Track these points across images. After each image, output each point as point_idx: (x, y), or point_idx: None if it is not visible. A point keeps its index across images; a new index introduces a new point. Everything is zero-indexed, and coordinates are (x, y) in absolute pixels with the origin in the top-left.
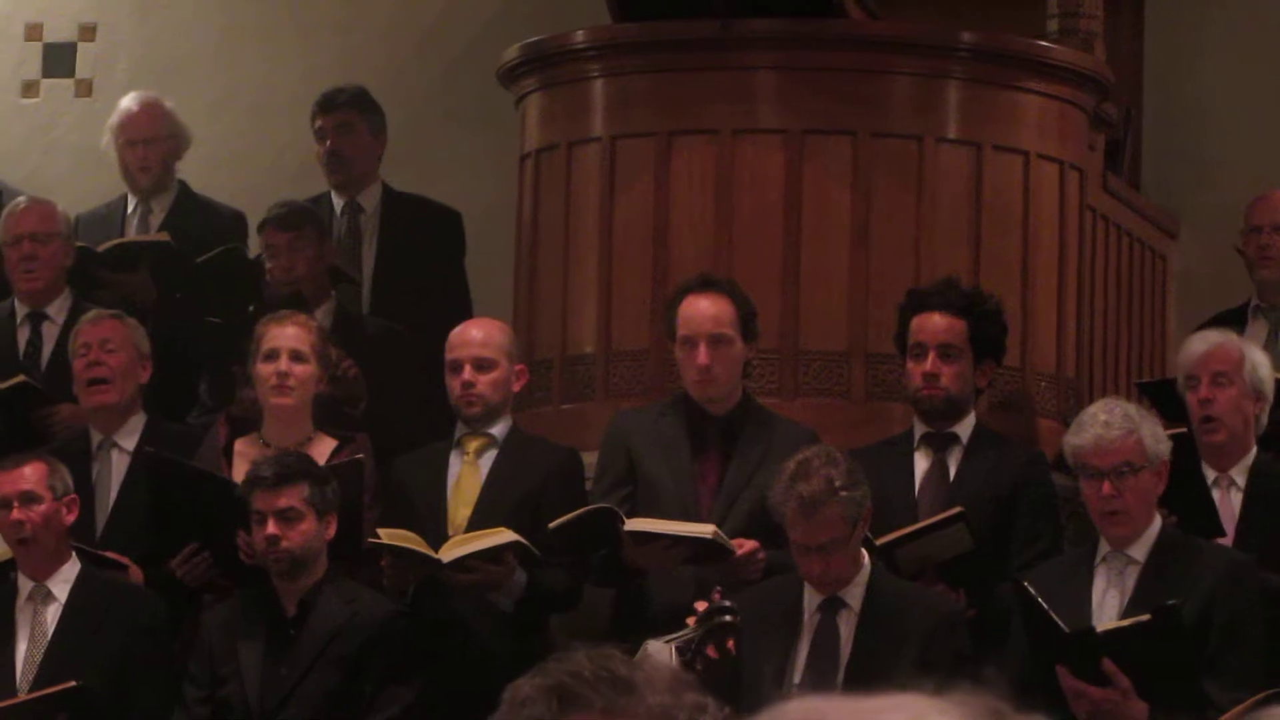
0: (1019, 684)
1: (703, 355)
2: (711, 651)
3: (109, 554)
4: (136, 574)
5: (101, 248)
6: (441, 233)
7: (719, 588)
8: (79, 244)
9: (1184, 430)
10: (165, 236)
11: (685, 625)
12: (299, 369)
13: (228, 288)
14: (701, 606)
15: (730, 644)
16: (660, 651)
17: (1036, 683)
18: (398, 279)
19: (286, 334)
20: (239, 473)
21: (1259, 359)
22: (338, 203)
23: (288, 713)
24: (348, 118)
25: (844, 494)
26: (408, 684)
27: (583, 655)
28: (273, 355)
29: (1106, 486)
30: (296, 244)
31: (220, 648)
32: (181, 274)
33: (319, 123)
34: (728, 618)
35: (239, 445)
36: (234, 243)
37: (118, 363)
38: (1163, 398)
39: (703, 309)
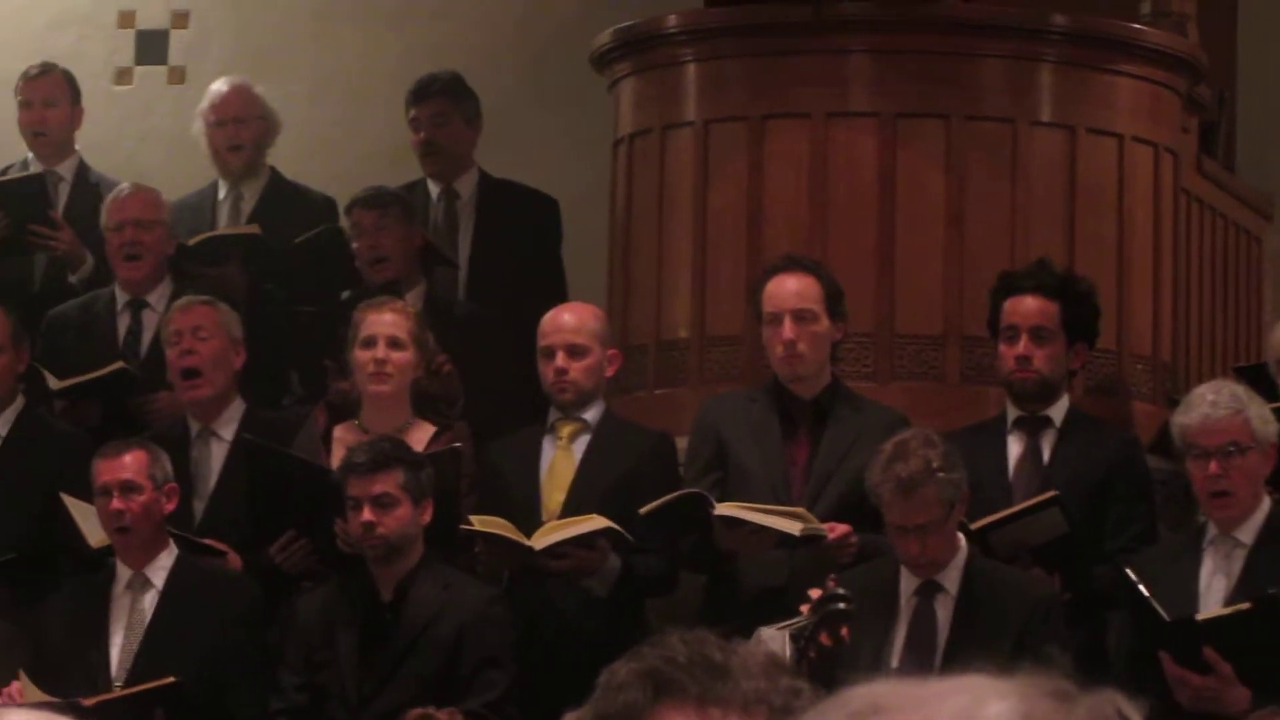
0: (1125, 666)
1: (788, 330)
2: (825, 639)
3: (208, 541)
4: (235, 560)
5: (192, 241)
6: (538, 219)
7: (833, 575)
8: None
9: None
10: (255, 229)
11: (798, 612)
12: (396, 355)
13: (323, 270)
14: (816, 593)
15: (844, 631)
16: (774, 639)
17: (1142, 666)
18: (494, 265)
19: (384, 320)
20: (338, 459)
21: None
22: (434, 189)
23: (384, 698)
24: (442, 107)
25: (941, 475)
26: (503, 669)
27: (677, 639)
28: (370, 342)
29: (1213, 466)
30: (382, 223)
31: (317, 634)
32: (274, 262)
33: (413, 113)
34: (842, 605)
35: (338, 432)
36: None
37: (209, 351)
38: (1259, 381)
39: (788, 286)
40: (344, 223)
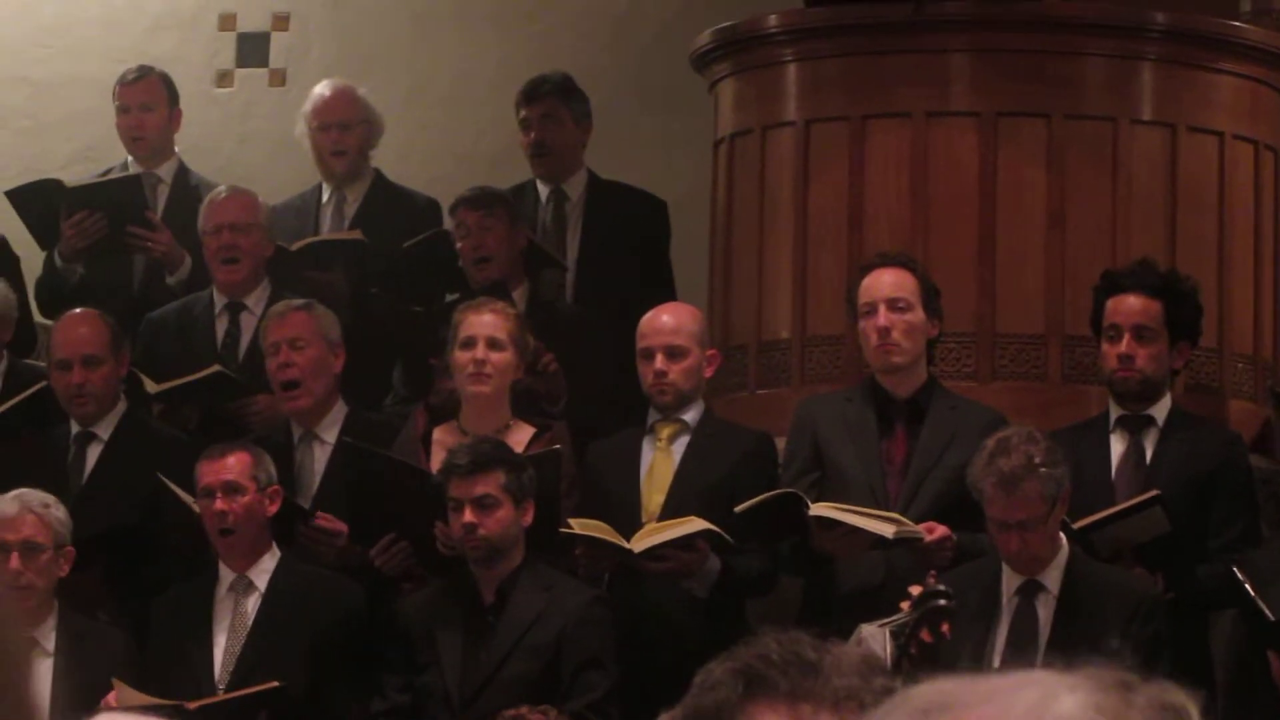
0: (1233, 665)
1: (882, 317)
2: (926, 635)
3: (321, 517)
4: (342, 528)
5: (294, 247)
6: (647, 220)
7: (934, 571)
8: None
9: None
10: (358, 234)
11: (899, 609)
12: (496, 356)
13: (431, 274)
14: (917, 590)
15: (945, 628)
16: (875, 636)
17: (1252, 666)
18: (602, 266)
19: (484, 321)
20: (437, 461)
21: None
22: (543, 191)
23: (486, 699)
24: (552, 107)
25: (1043, 471)
26: (604, 670)
27: (772, 638)
28: (470, 343)
29: None
30: (486, 223)
31: (419, 635)
32: (377, 267)
33: (523, 113)
34: (942, 601)
35: (437, 433)
36: (431, 230)
37: (307, 361)
38: None
39: (883, 278)
40: (449, 223)
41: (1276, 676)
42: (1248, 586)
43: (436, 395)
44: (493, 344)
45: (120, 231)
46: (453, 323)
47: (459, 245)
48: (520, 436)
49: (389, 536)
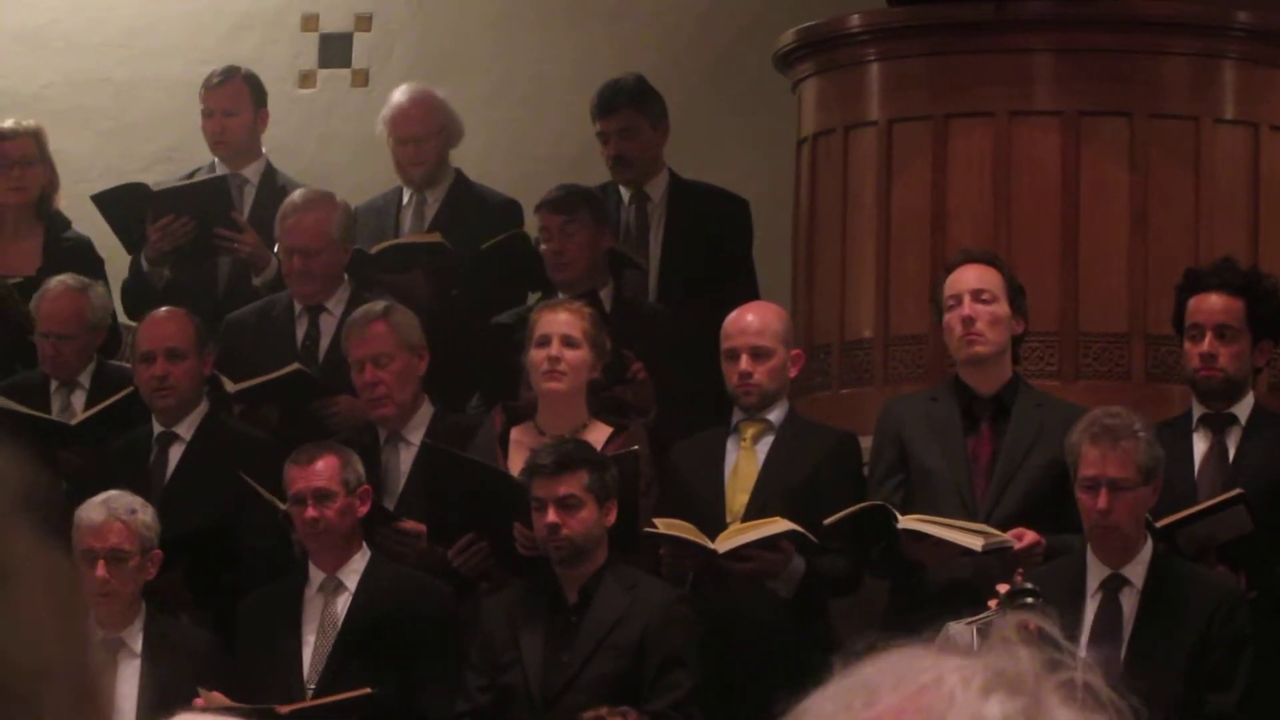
0: None
1: (967, 307)
2: None
3: (404, 523)
4: (421, 530)
5: (374, 250)
6: (730, 220)
7: (1021, 569)
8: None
9: None
10: (437, 237)
11: (987, 607)
12: (571, 354)
13: (510, 274)
14: (1003, 588)
15: (1033, 626)
16: (962, 634)
17: None
18: (685, 265)
19: (559, 319)
20: (514, 461)
21: None
22: (625, 192)
23: (570, 699)
24: (628, 120)
25: (1143, 436)
26: (688, 670)
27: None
28: (545, 341)
29: None
30: (569, 228)
31: (502, 635)
32: (458, 268)
33: (599, 126)
34: (1030, 599)
35: (515, 434)
36: (512, 230)
37: (393, 376)
38: None
39: (968, 272)
40: (530, 223)
41: None
42: None
43: (522, 400)
44: (568, 342)
45: (207, 234)
46: (529, 322)
47: (543, 248)
48: (597, 436)
49: (467, 537)
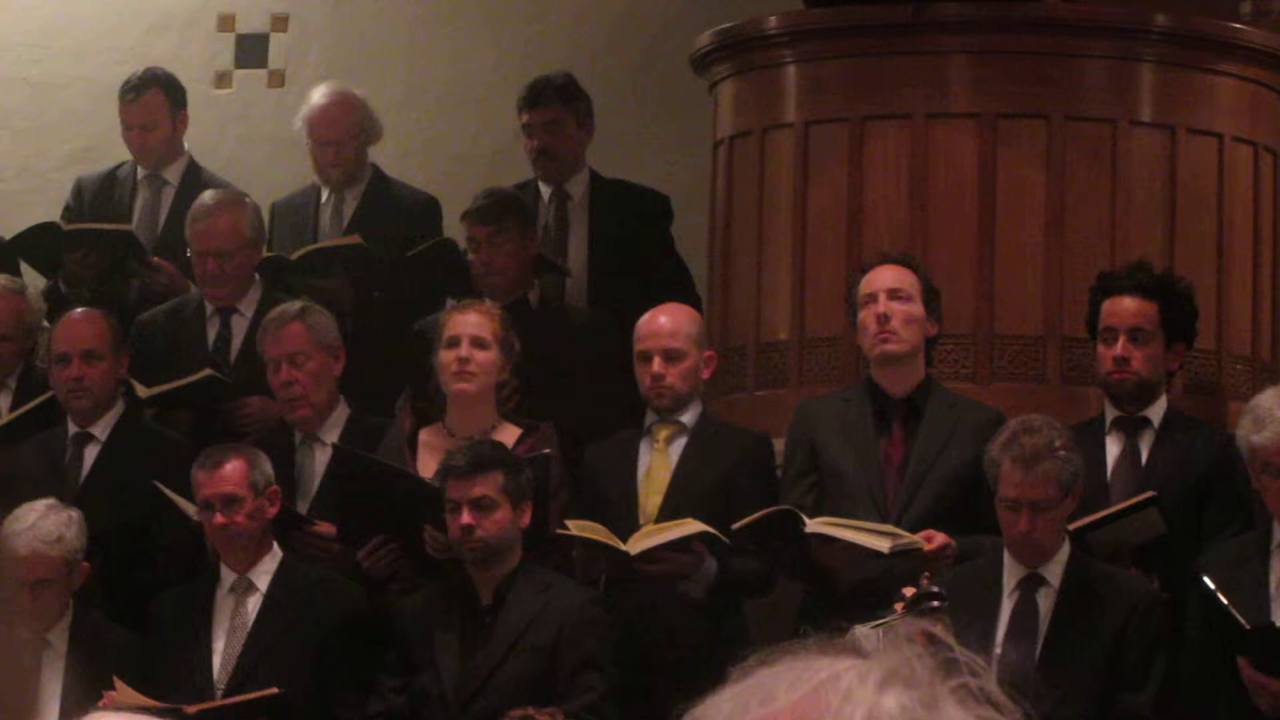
0: (1196, 671)
1: (882, 304)
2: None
3: (317, 524)
4: (329, 529)
5: (295, 255)
6: (652, 217)
7: (927, 573)
8: (269, 254)
9: None
10: (357, 239)
11: (892, 610)
12: (480, 355)
13: (435, 281)
14: (909, 591)
15: (928, 632)
16: (868, 637)
17: (1219, 671)
18: (606, 265)
19: (468, 321)
20: (424, 462)
21: None
22: (545, 190)
23: (483, 700)
24: (555, 115)
25: (1063, 454)
26: (602, 672)
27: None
28: (454, 342)
29: None
30: (497, 238)
31: (415, 636)
32: (381, 271)
33: (525, 118)
34: (935, 603)
35: (424, 435)
36: (430, 229)
37: (309, 376)
38: None
39: (884, 272)
40: (448, 221)
41: (1250, 682)
42: (1220, 596)
43: (420, 399)
44: (477, 343)
45: (122, 266)
46: (438, 324)
47: (470, 258)
48: (506, 437)
49: (377, 539)
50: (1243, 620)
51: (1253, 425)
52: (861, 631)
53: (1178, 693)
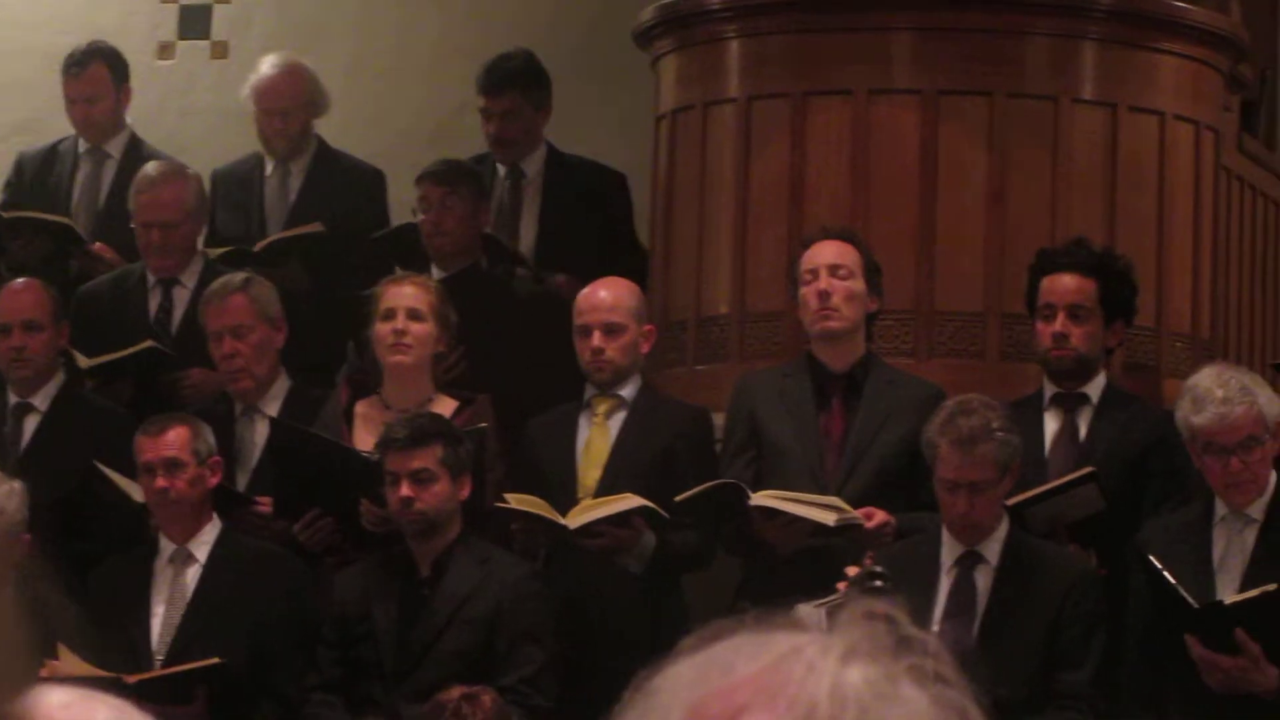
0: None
1: (823, 281)
2: None
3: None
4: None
5: (257, 247)
6: (607, 194)
7: (871, 552)
8: (227, 250)
9: None
10: (318, 227)
11: (835, 589)
12: (416, 327)
13: (399, 261)
14: (853, 571)
15: (879, 612)
16: (810, 616)
17: (1165, 647)
18: (561, 241)
19: (404, 293)
20: (360, 435)
21: None
22: (500, 166)
23: (421, 672)
24: (513, 104)
25: (1000, 435)
26: (541, 645)
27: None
28: (390, 314)
29: (1235, 463)
30: (449, 200)
31: (354, 608)
32: (340, 258)
33: (483, 103)
34: (879, 583)
35: (360, 407)
36: (376, 201)
37: (250, 348)
38: None
39: (826, 247)
40: (394, 199)
41: (1198, 660)
42: (1166, 575)
43: (356, 371)
44: (413, 315)
45: (64, 251)
46: (374, 296)
47: (420, 218)
48: (443, 410)
49: (313, 512)
50: (1190, 599)
51: (1192, 406)
52: (804, 610)
53: (1124, 671)
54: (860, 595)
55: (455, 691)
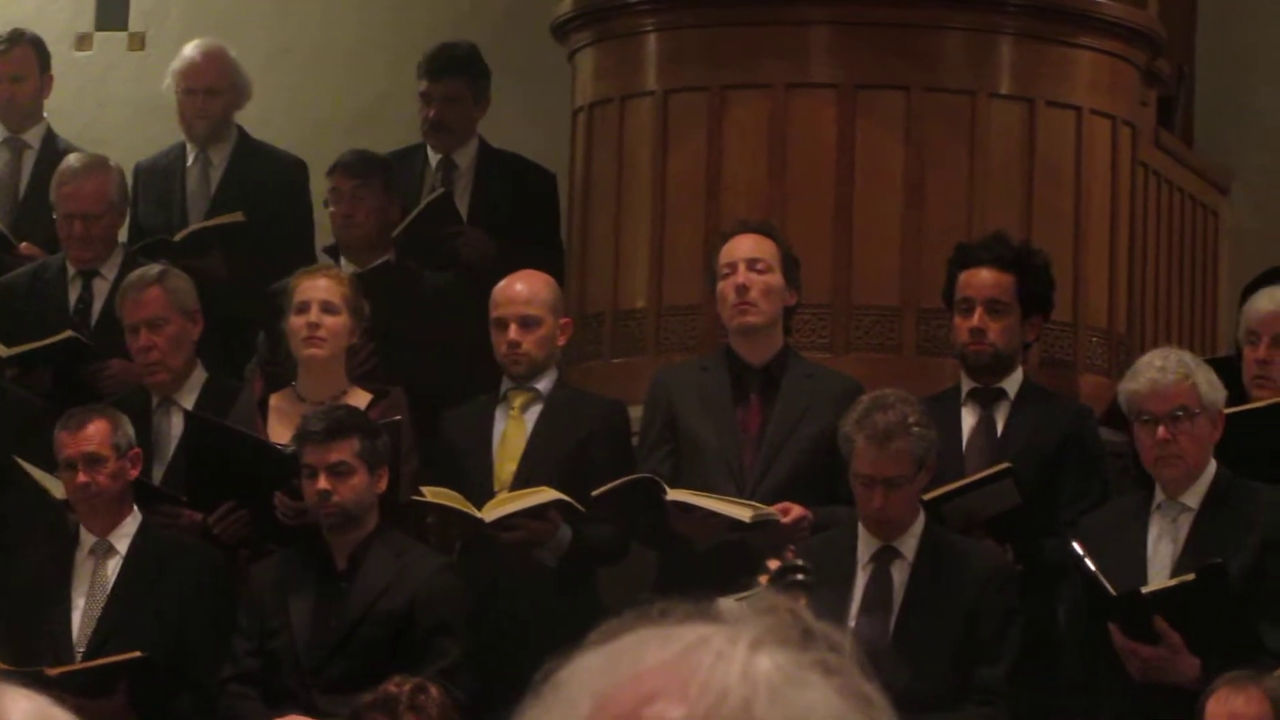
0: (1075, 638)
1: (741, 275)
2: None
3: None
4: (191, 514)
5: (177, 238)
6: (535, 192)
7: (792, 546)
8: (147, 240)
9: None
10: (239, 217)
11: (756, 582)
12: (330, 320)
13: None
14: (774, 564)
15: (802, 603)
16: (733, 610)
17: (1091, 637)
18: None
19: (318, 286)
20: (274, 427)
21: None
22: (433, 158)
23: (336, 665)
24: (456, 90)
25: (916, 430)
26: (456, 638)
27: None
28: (304, 307)
29: (1162, 430)
30: (360, 192)
31: (270, 601)
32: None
33: (424, 86)
34: (800, 576)
35: (274, 400)
36: (298, 191)
37: (167, 340)
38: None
39: (744, 241)
40: (315, 184)
41: (1119, 648)
42: (1088, 562)
43: (269, 364)
44: (327, 308)
45: None
46: (287, 289)
47: (330, 210)
48: (357, 403)
49: (227, 505)
50: (1109, 588)
51: (1130, 376)
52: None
53: (1058, 665)
54: (782, 588)
55: (406, 684)
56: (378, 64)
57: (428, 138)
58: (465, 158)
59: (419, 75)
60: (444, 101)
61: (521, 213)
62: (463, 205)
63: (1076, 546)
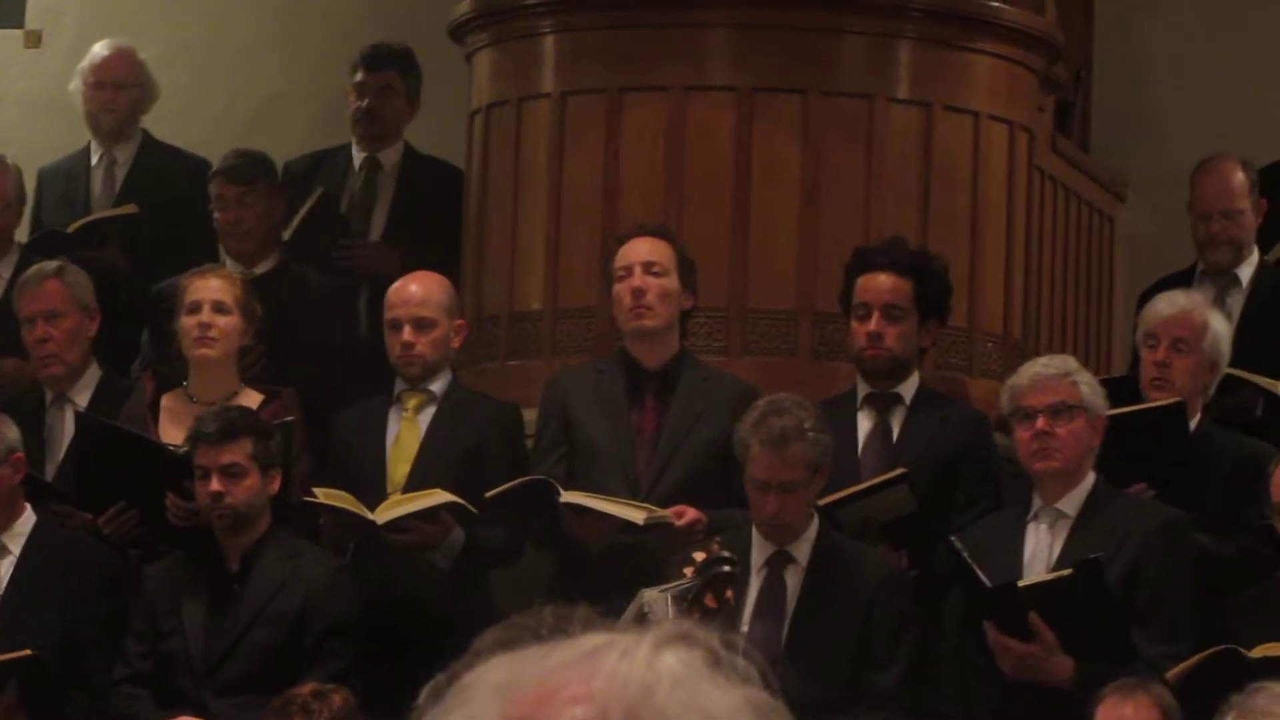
0: (956, 637)
1: (637, 279)
2: (710, 601)
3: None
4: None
5: (71, 229)
6: (458, 196)
7: (718, 538)
8: (42, 231)
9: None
10: (133, 209)
11: (683, 575)
12: (222, 321)
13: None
14: (700, 556)
15: (729, 594)
16: (657, 601)
17: (971, 640)
18: (408, 239)
19: (209, 286)
20: (165, 427)
21: (1221, 330)
22: (357, 157)
23: (229, 667)
24: (391, 80)
25: (811, 435)
26: (348, 640)
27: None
28: (195, 307)
29: (1041, 421)
30: (247, 198)
31: (163, 602)
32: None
33: (360, 77)
34: (726, 568)
35: (165, 400)
36: (202, 191)
37: (64, 333)
38: (1124, 394)
39: (640, 244)
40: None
41: (993, 644)
42: (965, 556)
43: (163, 362)
44: (218, 308)
45: None
46: (179, 289)
47: (216, 216)
48: (248, 403)
49: (118, 505)
50: (985, 580)
51: (1014, 375)
52: (650, 594)
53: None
54: (708, 580)
55: (307, 687)
56: (271, 63)
57: (358, 129)
58: (390, 158)
59: (354, 68)
60: (379, 92)
61: (442, 218)
62: (384, 208)
63: (955, 540)
